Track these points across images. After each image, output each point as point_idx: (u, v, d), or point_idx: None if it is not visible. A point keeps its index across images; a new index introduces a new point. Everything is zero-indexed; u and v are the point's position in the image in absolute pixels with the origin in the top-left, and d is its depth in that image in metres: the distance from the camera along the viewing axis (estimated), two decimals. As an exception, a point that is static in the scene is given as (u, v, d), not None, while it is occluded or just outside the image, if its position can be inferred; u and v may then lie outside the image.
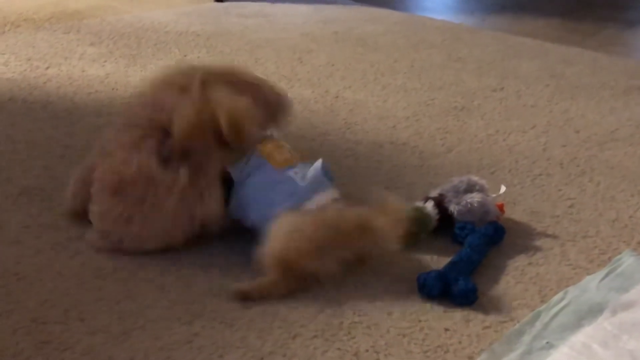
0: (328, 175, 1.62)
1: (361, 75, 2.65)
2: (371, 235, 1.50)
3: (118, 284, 1.47)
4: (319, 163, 1.62)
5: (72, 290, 1.45)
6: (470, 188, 1.73)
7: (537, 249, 1.66)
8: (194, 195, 1.54)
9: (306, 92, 2.47)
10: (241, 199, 1.58)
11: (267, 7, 3.38)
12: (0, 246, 1.57)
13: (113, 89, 2.38)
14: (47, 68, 2.51)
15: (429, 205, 1.70)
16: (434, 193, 1.74)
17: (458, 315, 1.44)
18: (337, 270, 1.48)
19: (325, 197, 1.57)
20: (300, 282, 1.47)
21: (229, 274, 1.52)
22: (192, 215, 1.55)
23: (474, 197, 1.70)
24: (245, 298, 1.45)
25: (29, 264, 1.52)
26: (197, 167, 1.55)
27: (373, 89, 2.53)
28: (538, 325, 1.40)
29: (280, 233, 1.48)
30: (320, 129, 2.21)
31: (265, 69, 2.65)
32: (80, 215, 1.62)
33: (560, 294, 1.49)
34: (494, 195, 1.76)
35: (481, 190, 1.74)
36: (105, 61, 2.59)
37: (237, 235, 1.65)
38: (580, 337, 1.36)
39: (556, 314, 1.42)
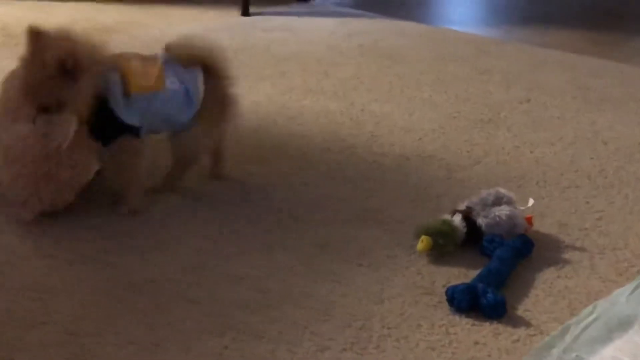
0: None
1: (387, 87, 2.66)
2: None
3: (149, 297, 1.49)
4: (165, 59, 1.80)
5: (104, 303, 1.47)
6: (498, 201, 1.74)
7: (566, 262, 1.66)
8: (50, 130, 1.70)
9: (332, 104, 2.49)
10: (149, 125, 1.78)
11: (293, 21, 3.41)
12: (34, 259, 1.59)
13: (142, 103, 2.41)
14: (77, 83, 2.53)
15: (457, 218, 1.70)
16: (462, 206, 1.74)
17: (487, 328, 1.44)
18: None
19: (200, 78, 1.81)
20: None
21: (257, 287, 1.53)
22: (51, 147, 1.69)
23: (502, 210, 1.70)
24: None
25: (61, 277, 1.54)
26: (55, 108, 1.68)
27: (399, 102, 2.53)
28: (568, 338, 1.39)
29: None
30: (346, 142, 2.22)
31: (291, 82, 2.67)
32: None
33: (589, 307, 1.48)
34: (522, 207, 1.76)
35: (509, 202, 1.74)
36: (133, 75, 2.62)
37: (262, 250, 1.67)
38: (610, 350, 1.35)
39: (586, 327, 1.42)
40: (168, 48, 1.83)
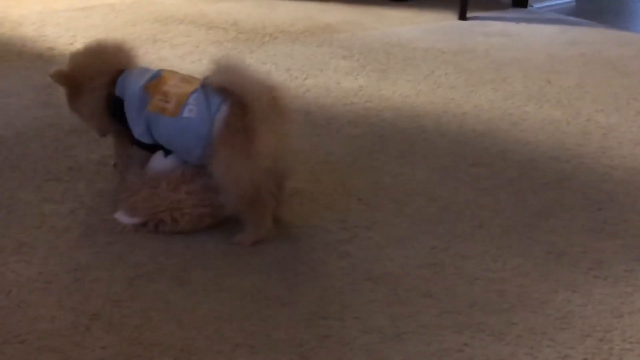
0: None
1: (613, 99, 2.59)
2: None
3: (387, 288, 1.55)
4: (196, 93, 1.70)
5: (346, 290, 1.54)
6: None
7: None
8: None
9: (556, 113, 2.45)
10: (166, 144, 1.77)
11: (511, 27, 3.38)
12: (277, 242, 1.68)
13: (367, 101, 2.48)
14: (305, 79, 2.65)
15: (702, 238, 1.64)
16: None
17: None
18: None
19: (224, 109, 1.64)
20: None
21: (493, 289, 1.55)
22: None
23: None
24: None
25: (305, 262, 1.62)
26: None
27: (627, 114, 2.46)
28: None
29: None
30: (573, 152, 2.19)
31: (513, 88, 2.65)
32: None
33: None
34: None
35: None
36: (357, 74, 2.70)
37: (495, 254, 1.68)
38: None
39: None
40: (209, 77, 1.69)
